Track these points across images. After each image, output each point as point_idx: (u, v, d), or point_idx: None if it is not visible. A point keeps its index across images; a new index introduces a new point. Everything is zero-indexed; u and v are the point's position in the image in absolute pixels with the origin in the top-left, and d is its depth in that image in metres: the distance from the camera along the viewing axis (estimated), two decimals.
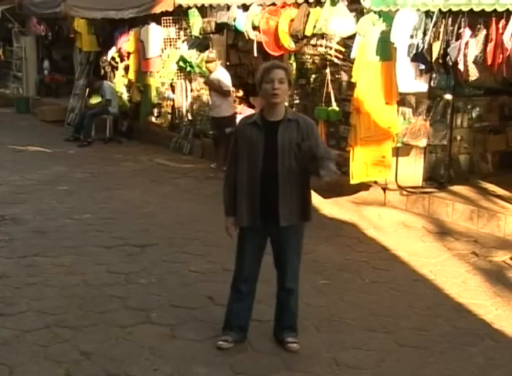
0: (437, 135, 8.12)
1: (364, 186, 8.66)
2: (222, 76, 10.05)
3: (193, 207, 8.36)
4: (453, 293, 5.82)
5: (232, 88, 10.34)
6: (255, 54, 9.77)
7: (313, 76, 9.29)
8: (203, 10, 11.05)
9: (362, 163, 8.07)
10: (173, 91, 12.20)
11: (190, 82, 11.84)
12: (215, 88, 9.95)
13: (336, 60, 8.63)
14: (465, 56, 7.04)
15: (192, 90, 11.81)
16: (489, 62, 6.93)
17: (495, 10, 6.68)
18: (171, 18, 11.83)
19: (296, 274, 4.71)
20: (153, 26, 12.01)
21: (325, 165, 4.31)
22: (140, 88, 12.76)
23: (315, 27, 8.36)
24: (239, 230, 4.62)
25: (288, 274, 4.67)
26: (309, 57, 9.17)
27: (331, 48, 8.55)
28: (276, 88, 4.36)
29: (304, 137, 4.46)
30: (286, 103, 9.61)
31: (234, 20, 9.81)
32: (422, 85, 7.87)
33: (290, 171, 4.46)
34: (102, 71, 14.12)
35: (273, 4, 9.13)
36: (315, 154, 4.35)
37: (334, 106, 8.73)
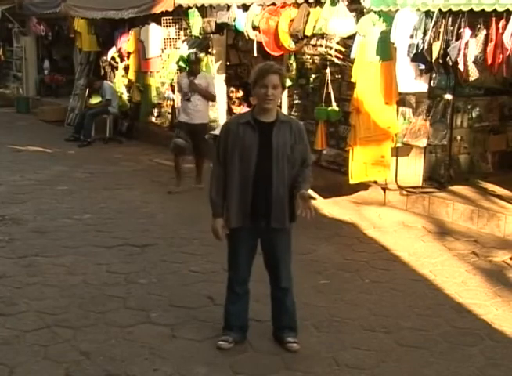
0: (437, 135, 8.12)
1: (363, 186, 8.66)
2: (211, 79, 9.60)
3: (193, 207, 8.35)
4: (453, 293, 5.82)
5: (232, 88, 10.30)
6: (255, 54, 9.76)
7: (313, 76, 9.29)
8: (203, 10, 11.05)
9: (361, 163, 8.06)
10: (173, 91, 12.19)
11: None
12: (203, 92, 9.08)
13: (336, 60, 8.62)
14: (465, 56, 7.04)
15: None
16: (489, 62, 6.93)
17: (495, 10, 6.67)
18: (171, 18, 11.83)
19: (289, 273, 4.72)
20: (153, 26, 12.02)
21: (306, 206, 4.37)
22: (140, 88, 12.76)
23: (315, 27, 8.36)
24: (230, 232, 4.60)
25: (282, 274, 4.67)
26: (309, 57, 9.17)
27: (331, 48, 8.55)
28: (269, 95, 4.39)
29: (297, 140, 4.51)
30: (286, 104, 9.72)
31: (234, 20, 9.80)
32: (422, 85, 7.87)
33: (283, 173, 4.47)
34: (102, 71, 14.13)
35: (273, 4, 9.12)
36: (306, 160, 4.57)
37: (334, 106, 8.73)
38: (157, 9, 11.39)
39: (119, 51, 13.20)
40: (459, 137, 8.79)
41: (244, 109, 10.63)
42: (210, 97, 9.30)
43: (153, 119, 12.80)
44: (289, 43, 8.90)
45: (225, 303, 4.79)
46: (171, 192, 9.16)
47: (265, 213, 4.50)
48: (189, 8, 11.02)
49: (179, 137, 9.12)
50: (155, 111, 12.75)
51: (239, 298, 4.72)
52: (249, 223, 4.52)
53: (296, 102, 9.80)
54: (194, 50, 10.36)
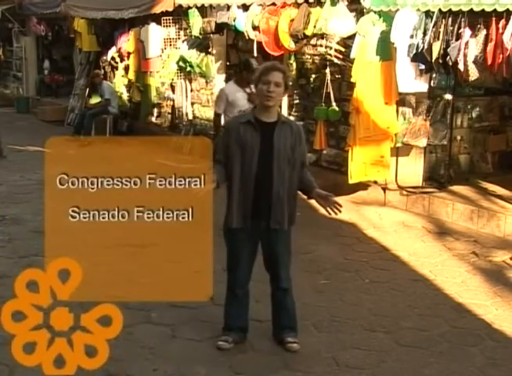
0: (437, 135, 8.11)
1: (363, 186, 8.66)
2: None
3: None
4: (453, 293, 5.82)
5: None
6: (255, 54, 9.76)
7: (313, 76, 9.29)
8: (203, 10, 11.04)
9: (360, 163, 8.07)
10: (173, 91, 12.19)
11: (190, 82, 11.84)
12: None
13: (336, 60, 8.62)
14: (465, 56, 7.04)
15: (192, 90, 11.80)
16: (489, 62, 6.93)
17: (495, 10, 6.68)
18: (171, 18, 11.82)
19: (289, 274, 4.72)
20: (153, 26, 12.02)
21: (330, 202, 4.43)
22: (140, 88, 12.76)
23: (315, 27, 8.36)
24: (230, 234, 4.60)
25: (282, 275, 4.67)
26: (309, 57, 9.17)
27: (331, 48, 8.55)
28: (271, 91, 4.37)
29: (297, 141, 4.50)
30: (286, 104, 9.72)
31: (234, 20, 9.80)
32: (422, 85, 7.87)
33: (283, 174, 4.47)
34: (102, 71, 14.12)
35: (273, 4, 9.12)
36: (304, 162, 4.58)
37: (334, 106, 8.73)
38: (157, 9, 11.39)
39: (119, 51, 13.20)
40: (459, 137, 8.78)
41: None
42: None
43: (153, 119, 12.80)
44: (289, 43, 8.90)
45: (225, 305, 4.78)
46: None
47: (265, 214, 4.49)
48: (189, 8, 11.01)
49: None
50: (155, 111, 12.75)
51: (240, 299, 4.71)
52: (250, 224, 4.51)
53: (296, 102, 9.80)
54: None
